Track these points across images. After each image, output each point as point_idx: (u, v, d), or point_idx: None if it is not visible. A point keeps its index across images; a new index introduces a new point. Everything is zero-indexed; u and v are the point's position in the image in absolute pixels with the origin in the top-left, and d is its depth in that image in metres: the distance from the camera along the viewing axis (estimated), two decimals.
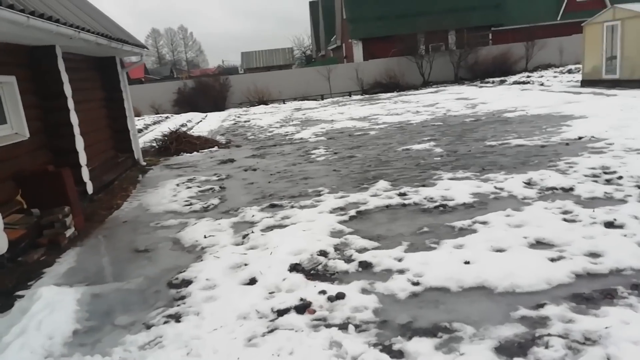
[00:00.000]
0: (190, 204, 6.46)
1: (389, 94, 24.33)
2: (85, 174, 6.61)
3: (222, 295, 3.61)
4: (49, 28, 4.99)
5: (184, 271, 4.16)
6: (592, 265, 3.44)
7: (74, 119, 6.52)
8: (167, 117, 22.21)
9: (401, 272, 3.71)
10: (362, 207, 5.48)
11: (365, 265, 3.90)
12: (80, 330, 3.31)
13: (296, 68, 46.47)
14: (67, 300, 3.62)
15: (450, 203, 5.29)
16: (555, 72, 23.76)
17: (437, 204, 5.33)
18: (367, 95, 25.40)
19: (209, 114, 22.87)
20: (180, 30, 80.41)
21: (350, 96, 26.22)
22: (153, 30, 77.62)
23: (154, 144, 12.10)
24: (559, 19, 31.36)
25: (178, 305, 3.54)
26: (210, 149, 11.32)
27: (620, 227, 4.05)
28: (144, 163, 9.98)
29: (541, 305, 3.00)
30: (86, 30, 6.15)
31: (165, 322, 3.29)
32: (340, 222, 5.02)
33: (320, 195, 6.24)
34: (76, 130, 6.54)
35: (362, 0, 28.95)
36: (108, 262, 4.67)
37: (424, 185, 6.13)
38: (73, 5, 7.45)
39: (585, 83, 16.60)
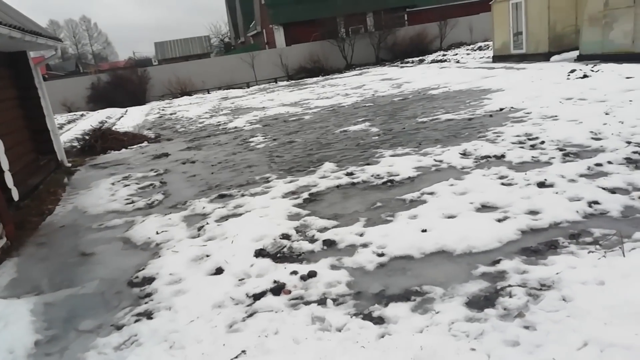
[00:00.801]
0: (133, 202, 6.19)
1: (315, 79, 24.53)
2: (9, 179, 6.07)
3: (190, 287, 3.55)
4: None
5: (143, 269, 4.02)
6: (533, 221, 3.80)
7: None
8: (82, 115, 20.77)
9: (365, 245, 3.86)
10: (314, 190, 5.58)
11: (329, 244, 4.01)
12: (42, 341, 3.12)
13: (215, 56, 45.21)
14: (19, 312, 3.38)
15: (397, 178, 5.53)
16: (467, 49, 25.21)
17: (384, 180, 5.55)
18: (293, 81, 25.42)
19: (129, 108, 21.70)
20: (83, 21, 74.85)
21: (276, 82, 26.08)
22: (51, 22, 71.22)
23: (76, 144, 11.32)
24: None
25: (146, 303, 3.44)
26: (139, 145, 10.81)
27: (551, 186, 4.50)
28: (69, 164, 9.32)
29: (497, 262, 3.29)
30: None
31: (136, 321, 3.19)
32: (295, 206, 5.08)
33: (268, 181, 6.24)
34: None
35: None
36: (54, 269, 4.37)
37: (368, 164, 6.34)
38: None
39: (496, 59, 17.83)
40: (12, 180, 6.15)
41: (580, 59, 13.62)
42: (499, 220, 3.91)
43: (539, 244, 3.45)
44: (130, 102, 22.97)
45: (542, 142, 6.03)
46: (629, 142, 5.41)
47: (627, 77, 9.45)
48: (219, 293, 3.37)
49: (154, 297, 3.51)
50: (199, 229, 4.81)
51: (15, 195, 6.18)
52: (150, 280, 3.81)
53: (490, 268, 3.22)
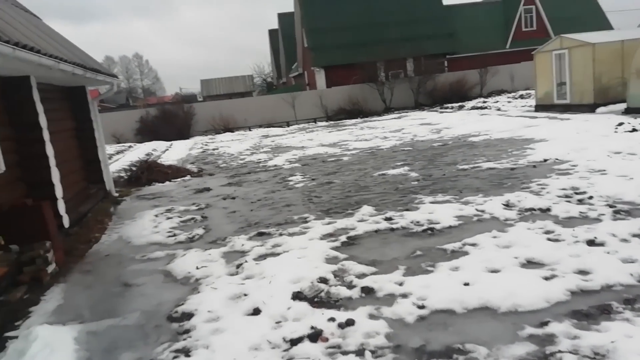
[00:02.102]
0: (174, 235, 6.34)
1: (353, 120, 24.87)
2: (61, 206, 6.37)
3: (228, 327, 3.56)
4: (31, 59, 4.88)
5: (183, 304, 4.07)
6: (583, 282, 3.64)
7: (49, 150, 6.31)
8: (130, 147, 21.70)
9: (404, 296, 3.79)
10: (352, 233, 5.57)
11: (368, 291, 3.96)
12: None
13: (257, 95, 46.74)
14: (65, 340, 3.47)
15: (437, 226, 5.46)
16: (508, 97, 25.07)
17: (424, 227, 5.49)
18: (332, 122, 25.85)
19: (174, 142, 22.52)
20: (136, 57, 79.36)
21: (315, 122, 26.58)
22: (107, 58, 76.04)
23: (123, 174, 11.80)
24: (507, 47, 33.36)
25: (184, 340, 3.47)
26: (182, 178, 11.16)
27: (602, 244, 4.32)
28: (116, 194, 9.70)
29: (545, 323, 3.15)
30: (64, 61, 6.05)
31: (174, 358, 3.22)
32: (333, 249, 5.08)
33: (306, 222, 6.28)
34: (52, 162, 6.33)
35: (323, 29, 29.73)
36: (98, 298, 4.49)
37: (407, 210, 6.29)
38: (46, 36, 7.30)
39: (539, 108, 17.62)
40: (64, 208, 6.45)
41: (628, 111, 13.29)
42: (547, 278, 3.77)
43: (590, 308, 3.29)
44: (176, 136, 23.86)
45: (590, 197, 5.84)
46: None
47: None
48: (256, 335, 3.37)
49: (192, 334, 3.54)
50: (238, 266, 4.86)
51: (66, 222, 6.46)
52: (189, 316, 3.85)
53: (538, 330, 3.08)
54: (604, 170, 7.11)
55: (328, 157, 12.36)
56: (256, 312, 3.79)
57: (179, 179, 11.01)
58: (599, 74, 14.91)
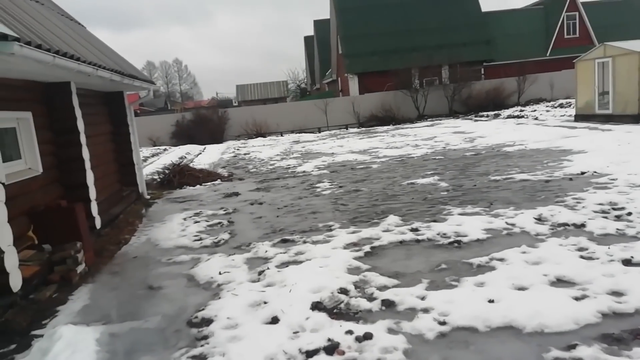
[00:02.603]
0: (200, 239, 6.43)
1: (385, 127, 24.69)
2: (94, 208, 6.58)
3: (245, 334, 3.57)
4: (70, 66, 5.07)
5: (203, 309, 4.11)
6: (617, 304, 3.45)
7: (85, 153, 6.54)
8: (165, 150, 22.28)
9: (426, 311, 3.69)
10: (376, 243, 5.49)
11: (388, 304, 3.88)
12: None
13: (291, 101, 47.14)
14: (87, 340, 3.55)
15: (464, 239, 5.31)
16: (547, 106, 24.30)
17: (450, 239, 5.35)
18: (364, 128, 25.74)
19: (207, 146, 22.98)
20: (175, 63, 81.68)
21: (347, 129, 26.55)
22: (148, 63, 78.78)
23: (156, 177, 12.10)
24: (548, 54, 32.41)
25: (202, 346, 3.49)
26: (213, 182, 11.34)
27: (638, 264, 4.09)
28: (148, 196, 9.95)
29: (573, 347, 3.00)
30: (102, 68, 6.26)
31: None
32: (356, 259, 5.02)
33: (331, 230, 6.24)
34: (87, 164, 6.56)
35: (357, 36, 29.73)
36: (123, 300, 4.59)
37: (434, 221, 6.16)
38: (86, 42, 7.59)
39: (579, 117, 16.99)
40: (97, 209, 6.66)
41: None
42: (577, 299, 3.60)
43: (622, 332, 3.11)
44: (209, 140, 24.34)
45: (629, 214, 5.55)
46: None
47: None
48: (272, 344, 3.35)
49: (210, 340, 3.56)
50: (260, 273, 4.87)
51: (98, 223, 6.67)
52: (208, 322, 3.88)
53: (565, 353, 2.94)
54: None
55: (357, 164, 12.30)
56: (274, 320, 3.78)
57: (209, 183, 11.20)
58: None
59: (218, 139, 24.81)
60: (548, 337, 3.15)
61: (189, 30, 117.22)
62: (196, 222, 7.42)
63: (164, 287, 4.82)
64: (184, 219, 7.68)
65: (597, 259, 4.32)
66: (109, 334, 3.79)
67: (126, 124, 9.42)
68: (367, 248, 5.34)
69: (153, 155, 19.64)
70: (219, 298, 4.34)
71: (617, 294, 3.62)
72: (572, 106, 19.93)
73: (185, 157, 16.96)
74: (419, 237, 5.55)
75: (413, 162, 11.60)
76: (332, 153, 15.27)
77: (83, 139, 6.56)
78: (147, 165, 16.25)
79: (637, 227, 5.06)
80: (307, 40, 47.97)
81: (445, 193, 7.83)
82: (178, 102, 71.57)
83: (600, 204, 6.06)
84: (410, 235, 5.64)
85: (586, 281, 3.87)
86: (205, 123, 25.09)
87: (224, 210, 8.13)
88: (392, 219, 6.42)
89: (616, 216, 5.55)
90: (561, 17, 32.54)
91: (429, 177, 9.30)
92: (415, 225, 6.03)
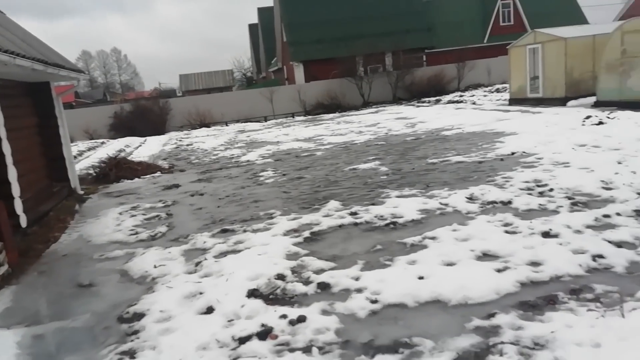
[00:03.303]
0: (136, 233, 6.22)
1: (331, 115, 24.82)
2: (18, 206, 6.19)
3: (178, 326, 3.50)
4: None
5: (135, 304, 3.99)
6: (534, 273, 3.68)
7: (6, 148, 6.12)
8: (102, 143, 21.28)
9: (359, 290, 3.77)
10: (316, 228, 5.53)
11: (324, 287, 3.93)
12: None
13: (237, 90, 46.31)
14: (5, 344, 3.36)
15: (400, 220, 5.46)
16: (485, 91, 25.29)
17: (387, 221, 5.48)
18: (310, 116, 25.76)
19: (148, 138, 22.17)
20: (114, 52, 77.86)
21: (293, 117, 26.46)
22: (84, 52, 74.59)
23: (91, 171, 11.54)
24: (485, 41, 33.63)
25: (132, 341, 3.39)
26: (152, 175, 10.98)
27: (556, 236, 4.37)
28: (82, 192, 9.49)
29: (492, 315, 3.17)
30: (21, 56, 5.85)
31: None
32: (295, 244, 5.04)
33: (272, 218, 6.22)
34: (8, 160, 6.14)
35: (302, 24, 29.55)
36: (49, 300, 4.37)
37: (373, 204, 6.28)
38: (5, 30, 7.06)
39: (512, 101, 17.82)
40: (21, 207, 6.27)
41: (597, 105, 13.53)
42: (499, 271, 3.80)
43: (537, 298, 3.32)
44: (150, 131, 23.48)
45: (551, 190, 5.91)
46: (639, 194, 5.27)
47: None
48: (205, 334, 3.31)
49: (140, 335, 3.46)
50: (197, 264, 4.79)
51: (23, 222, 6.28)
52: (140, 316, 3.77)
53: (485, 322, 3.10)
54: (568, 163, 7.21)
55: (302, 152, 12.31)
56: (209, 310, 3.73)
57: (148, 176, 10.83)
58: (571, 68, 15.13)
59: (160, 131, 24.00)
60: (471, 308, 3.31)
61: (127, 18, 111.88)
62: (133, 216, 7.16)
63: (95, 284, 4.63)
64: (120, 214, 7.39)
65: (520, 232, 4.57)
66: (32, 336, 3.61)
67: (54, 116, 8.90)
68: (306, 234, 5.37)
69: (89, 149, 18.71)
70: (153, 292, 4.23)
71: (535, 264, 3.85)
72: (507, 91, 20.85)
73: (124, 150, 16.30)
74: (358, 221, 5.64)
75: (356, 149, 11.74)
76: (277, 142, 15.19)
77: (3, 132, 6.13)
78: (82, 159, 15.47)
79: (557, 202, 5.40)
80: (252, 28, 47.17)
81: (385, 177, 8.00)
82: (118, 93, 68.37)
83: (526, 182, 6.40)
84: (349, 219, 5.73)
85: (508, 254, 4.09)
86: (146, 114, 24.17)
87: (163, 203, 7.90)
88: (333, 204, 6.48)
89: (539, 192, 5.88)
90: (497, 5, 33.79)
91: (370, 162, 9.46)
92: (355, 209, 6.12)
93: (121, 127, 24.05)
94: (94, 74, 75.55)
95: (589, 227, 4.50)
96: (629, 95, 12.44)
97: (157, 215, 7.05)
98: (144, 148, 17.87)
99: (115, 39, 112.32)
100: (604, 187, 5.71)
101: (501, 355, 2.66)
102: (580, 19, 33.15)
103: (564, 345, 2.61)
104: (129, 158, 12.65)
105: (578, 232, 4.40)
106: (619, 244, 4.03)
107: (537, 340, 2.76)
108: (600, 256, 3.82)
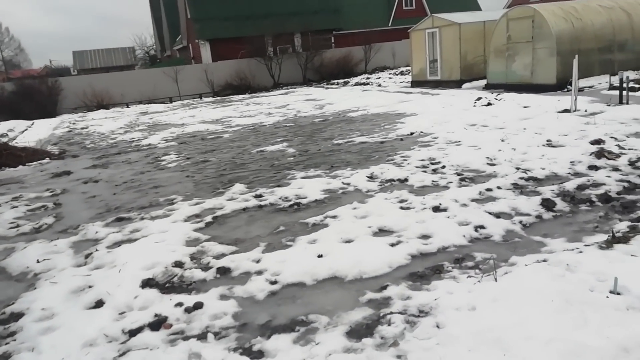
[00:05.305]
0: (17, 226, 5.64)
1: (240, 96, 24.31)
2: None
3: (62, 324, 3.24)
4: None
5: (13, 303, 3.63)
6: (424, 246, 3.91)
7: None
8: None
9: (259, 273, 3.76)
10: (219, 212, 5.41)
11: (224, 271, 3.87)
12: None
13: (140, 69, 43.57)
14: None
15: (304, 201, 5.51)
16: (390, 73, 26.25)
17: (291, 202, 5.51)
18: (218, 97, 25.01)
19: (36, 121, 20.11)
20: None
21: (201, 98, 25.52)
22: None
23: None
24: (390, 24, 34.84)
25: (7, 344, 3.08)
26: (40, 161, 9.99)
27: (445, 210, 4.69)
28: None
29: (384, 287, 3.32)
30: None
31: None
32: (196, 230, 4.89)
33: (173, 203, 5.97)
34: None
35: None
36: None
37: (279, 186, 6.27)
38: None
39: (414, 84, 18.71)
40: None
41: (487, 87, 14.65)
42: (392, 245, 3.99)
43: (426, 269, 3.54)
44: (39, 114, 21.30)
45: (443, 167, 6.31)
46: (517, 168, 5.81)
47: (524, 107, 10.26)
48: (93, 329, 3.10)
49: (17, 336, 3.16)
50: (87, 256, 4.46)
51: None
52: (18, 316, 3.44)
53: (377, 294, 3.24)
54: (459, 142, 7.73)
55: (208, 134, 11.92)
56: (99, 304, 3.50)
57: (35, 163, 9.84)
58: (465, 52, 16.18)
59: (50, 113, 21.87)
60: (366, 282, 3.45)
61: None
62: (13, 207, 6.47)
63: None
64: None
65: (413, 208, 4.83)
66: None
67: None
68: (209, 218, 5.23)
69: None
70: (35, 289, 3.87)
71: (425, 237, 4.10)
72: (409, 73, 21.82)
73: (7, 135, 14.65)
74: (262, 203, 5.60)
75: (265, 130, 11.63)
76: (183, 124, 14.56)
77: None
78: None
79: (448, 178, 5.78)
80: (153, 2, 44.31)
81: (292, 159, 8.02)
82: (1, 71, 60.97)
83: (422, 160, 6.77)
84: (253, 202, 5.67)
85: (402, 228, 4.30)
86: (33, 95, 21.84)
87: (51, 192, 7.23)
88: (238, 187, 6.37)
89: (433, 170, 6.26)
90: None
91: (278, 144, 9.43)
92: (260, 191, 6.07)
93: (3, 110, 21.49)
94: None
95: (473, 200, 4.88)
96: (513, 78, 13.62)
97: (44, 206, 6.45)
98: (30, 132, 16.19)
99: None
100: (488, 164, 6.21)
101: (389, 324, 2.81)
102: (474, 6, 35.55)
103: (445, 311, 2.81)
104: (11, 144, 11.38)
105: (464, 205, 4.76)
106: (498, 215, 4.42)
107: (422, 308, 2.94)
108: (482, 227, 4.16)
